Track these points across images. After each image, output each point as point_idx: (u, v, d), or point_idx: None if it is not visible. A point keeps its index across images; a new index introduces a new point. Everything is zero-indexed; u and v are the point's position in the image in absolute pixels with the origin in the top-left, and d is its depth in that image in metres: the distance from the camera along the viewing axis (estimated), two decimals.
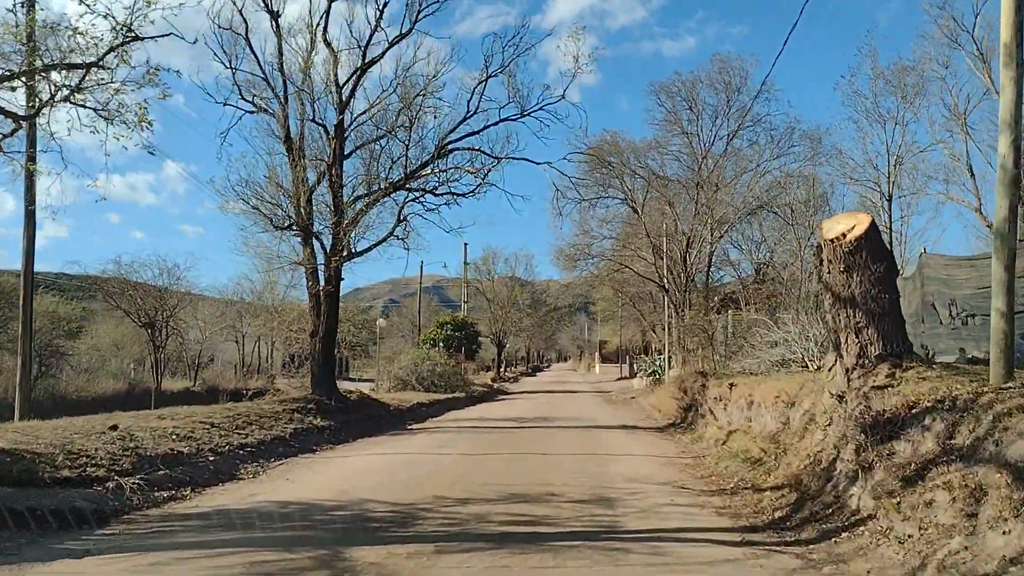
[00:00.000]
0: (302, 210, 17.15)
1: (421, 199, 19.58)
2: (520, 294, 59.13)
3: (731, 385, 13.75)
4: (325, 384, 17.45)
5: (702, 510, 7.69)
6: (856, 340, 7.97)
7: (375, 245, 19.21)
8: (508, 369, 76.20)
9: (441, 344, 39.87)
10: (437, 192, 18.79)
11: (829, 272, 8.20)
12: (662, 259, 26.73)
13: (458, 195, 18.87)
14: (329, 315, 17.63)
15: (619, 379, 54.71)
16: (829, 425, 8.22)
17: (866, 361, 7.87)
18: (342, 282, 18.20)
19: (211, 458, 10.23)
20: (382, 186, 17.64)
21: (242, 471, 10.15)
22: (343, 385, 35.16)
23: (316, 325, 17.66)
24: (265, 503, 7.79)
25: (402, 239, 20.11)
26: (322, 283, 17.57)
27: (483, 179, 18.63)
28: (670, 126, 33.14)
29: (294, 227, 16.67)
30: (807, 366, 14.06)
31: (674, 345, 27.12)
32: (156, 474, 8.86)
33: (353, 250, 18.88)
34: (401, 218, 19.67)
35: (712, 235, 28.21)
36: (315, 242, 17.94)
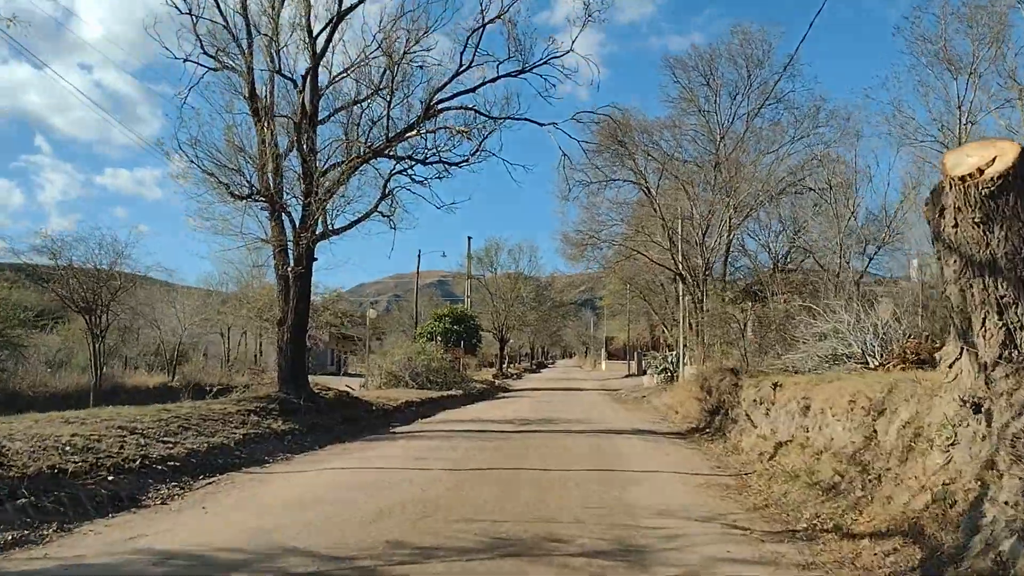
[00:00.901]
0: (268, 177, 14.74)
1: (409, 171, 17.17)
2: (524, 287, 56.64)
3: (775, 385, 11.28)
4: (294, 380, 15.07)
5: (776, 571, 5.24)
6: (999, 322, 5.47)
7: (356, 222, 16.80)
8: (511, 365, 73.82)
9: (439, 338, 37.47)
10: (427, 161, 16.34)
11: (956, 225, 5.67)
12: (677, 244, 24.21)
13: (450, 164, 16.43)
14: (299, 300, 15.22)
15: (627, 376, 52.26)
16: (954, 445, 5.76)
17: (1015, 353, 5.41)
18: (315, 263, 15.77)
19: (110, 478, 7.82)
20: (362, 152, 15.19)
21: (150, 495, 7.73)
22: (331, 382, 32.87)
23: (284, 312, 15.26)
24: (139, 556, 5.37)
25: (388, 216, 17.73)
26: (291, 263, 15.13)
27: (479, 145, 16.18)
28: (685, 104, 30.62)
29: (256, 196, 14.24)
30: (867, 362, 11.62)
31: (690, 339, 24.64)
32: (13, 504, 6.47)
33: (330, 226, 16.47)
34: (386, 192, 17.27)
35: (731, 220, 25.67)
36: (285, 218, 15.55)
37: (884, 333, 11.76)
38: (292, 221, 15.13)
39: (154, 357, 32.23)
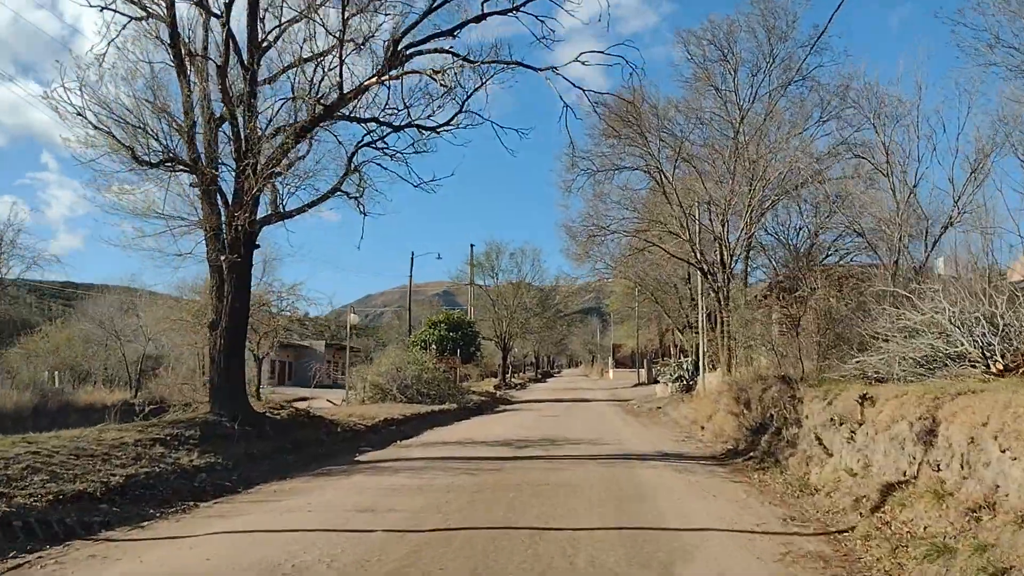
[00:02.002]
0: (202, 140, 11.72)
1: (380, 142, 14.10)
2: (527, 293, 53.43)
3: (863, 399, 8.10)
4: (230, 397, 11.96)
5: None
6: None
7: (314, 203, 13.73)
8: (515, 375, 70.52)
9: (434, 346, 34.31)
10: (397, 126, 13.26)
11: None
12: (695, 233, 20.99)
13: (426, 128, 13.34)
14: (236, 297, 12.11)
15: (636, 385, 48.94)
16: None
17: None
18: (257, 250, 12.64)
19: None
20: (317, 111, 12.10)
21: None
22: (318, 395, 29.76)
23: (218, 312, 12.15)
24: None
25: (356, 197, 14.68)
26: (226, 250, 12.02)
27: (462, 105, 13.11)
28: (700, 85, 27.48)
29: (173, 164, 11.16)
30: (987, 366, 8.45)
31: (716, 341, 21.46)
32: None
33: (281, 207, 13.41)
34: (352, 167, 14.21)
35: (753, 210, 22.43)
36: (231, 198, 12.48)
37: (1005, 326, 8.58)
38: (226, 199, 12.05)
39: (118, 369, 29.20)
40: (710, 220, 23.31)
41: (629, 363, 72.74)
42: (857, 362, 10.06)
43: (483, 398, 32.87)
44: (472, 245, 53.41)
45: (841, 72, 25.32)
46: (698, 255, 20.79)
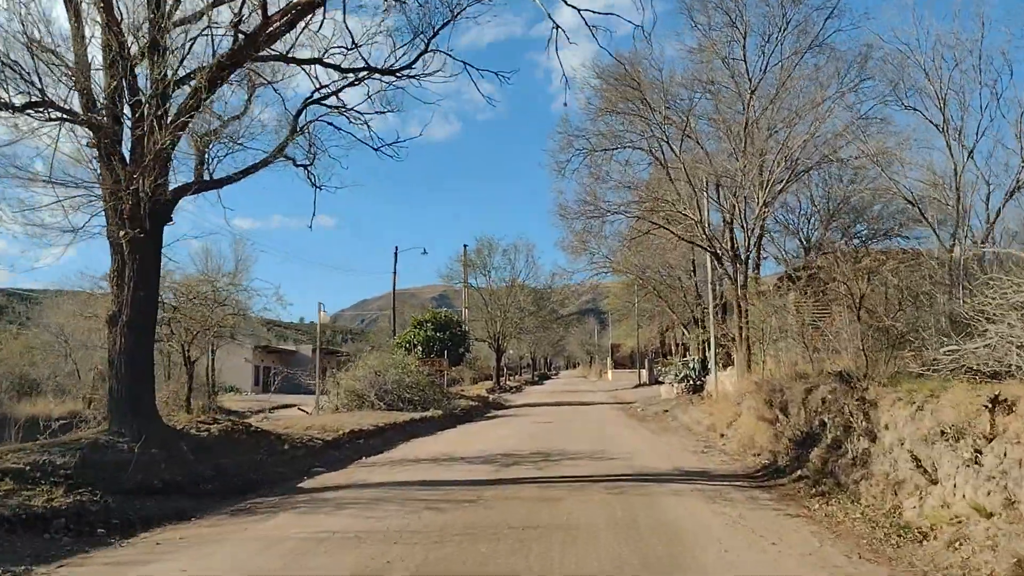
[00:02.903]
0: (107, 83, 9.15)
1: (334, 100, 11.55)
2: (521, 291, 50.74)
3: (996, 403, 5.56)
4: (131, 410, 9.35)
5: None
6: None
7: (250, 170, 11.19)
8: (511, 378, 67.89)
9: (419, 347, 31.70)
10: (346, 68, 10.69)
11: None
12: (707, 212, 18.43)
13: (383, 72, 10.76)
14: (140, 284, 9.50)
15: (637, 386, 46.36)
16: None
17: None
18: (169, 226, 10.01)
19: None
20: (237, 42, 9.51)
21: None
22: (293, 403, 27.06)
23: (118, 303, 9.54)
24: None
25: (305, 166, 12.15)
26: (126, 225, 9.40)
27: (427, 43, 10.55)
28: (705, 56, 24.93)
29: (46, 109, 8.56)
30: None
31: (730, 336, 18.92)
32: None
33: (208, 174, 10.85)
34: (298, 126, 11.67)
35: (770, 187, 19.86)
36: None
37: None
38: (124, 159, 9.43)
39: (69, 377, 26.57)
40: (719, 198, 20.69)
41: (628, 363, 70.18)
42: (949, 351, 7.50)
43: (474, 403, 30.28)
44: (465, 246, 50.82)
45: (858, 41, 22.81)
46: (709, 238, 18.20)
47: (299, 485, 9.98)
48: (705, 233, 18.20)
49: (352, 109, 11.64)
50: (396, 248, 35.17)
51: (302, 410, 25.61)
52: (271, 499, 8.83)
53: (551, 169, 22.50)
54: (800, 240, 27.79)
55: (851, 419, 8.24)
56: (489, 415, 27.07)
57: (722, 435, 15.50)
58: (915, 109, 13.87)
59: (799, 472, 9.33)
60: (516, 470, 10.89)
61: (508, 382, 58.96)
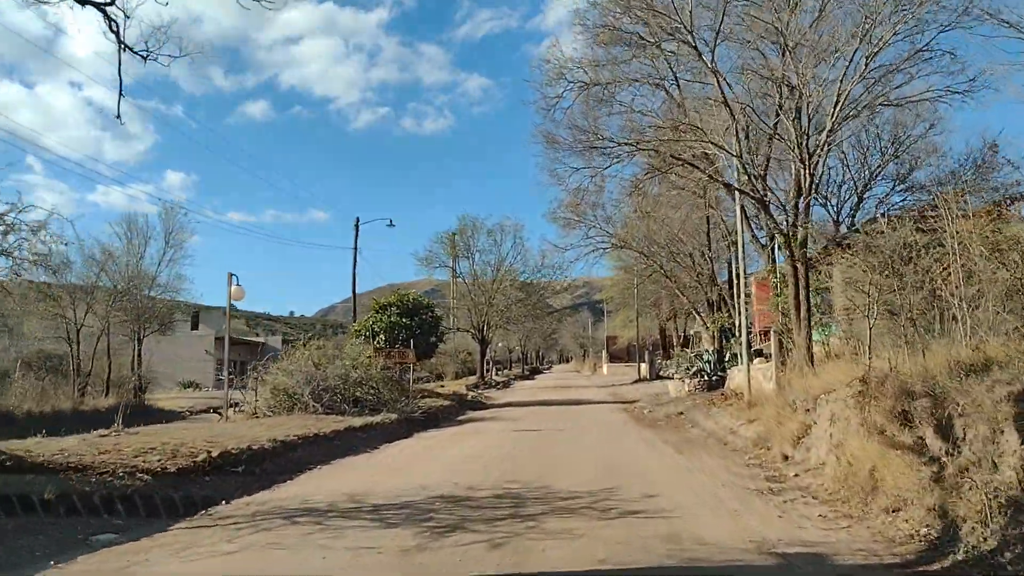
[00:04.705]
0: None
1: None
2: (507, 276, 45.46)
3: None
4: None
5: None
6: None
7: None
8: (499, 372, 62.72)
9: (382, 336, 26.52)
10: None
11: None
12: (745, 146, 13.15)
13: None
14: None
15: (637, 381, 41.20)
16: None
17: None
18: None
19: None
20: None
21: None
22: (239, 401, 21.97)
23: None
24: None
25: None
26: None
27: None
28: None
29: None
30: None
31: (787, 314, 13.79)
32: None
33: None
34: None
35: (837, 107, 14.53)
36: None
37: None
38: None
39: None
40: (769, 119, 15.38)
41: (625, 356, 65.18)
42: None
43: (446, 403, 25.13)
44: (454, 233, 45.64)
45: None
46: (752, 177, 13.01)
47: None
48: (747, 172, 13.01)
49: None
50: (357, 219, 29.91)
51: (217, 412, 20.48)
52: None
53: (538, 107, 17.23)
54: (834, 205, 22.76)
55: None
56: (462, 418, 21.92)
57: (786, 457, 10.39)
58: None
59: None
60: (454, 543, 5.75)
61: (495, 376, 53.87)
